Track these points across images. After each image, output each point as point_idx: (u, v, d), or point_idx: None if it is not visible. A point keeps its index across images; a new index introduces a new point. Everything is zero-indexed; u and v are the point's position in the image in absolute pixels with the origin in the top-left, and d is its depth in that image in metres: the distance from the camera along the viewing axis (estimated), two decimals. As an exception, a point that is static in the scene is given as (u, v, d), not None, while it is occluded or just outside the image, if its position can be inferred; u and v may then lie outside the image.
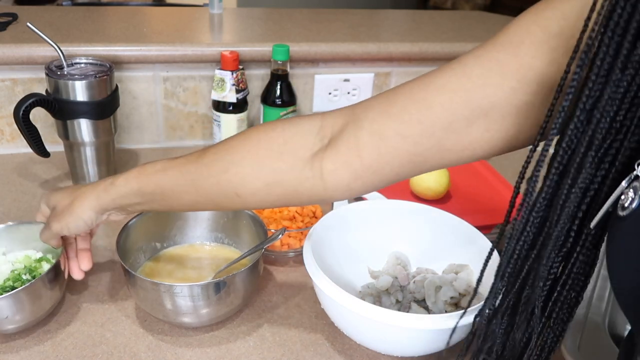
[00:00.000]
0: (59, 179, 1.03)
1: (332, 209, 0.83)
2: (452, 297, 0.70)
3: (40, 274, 0.72)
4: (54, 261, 0.72)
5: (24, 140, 0.92)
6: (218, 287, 0.66)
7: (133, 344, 0.68)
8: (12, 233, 0.75)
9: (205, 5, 1.46)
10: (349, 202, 0.83)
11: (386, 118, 0.51)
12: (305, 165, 0.54)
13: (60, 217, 0.66)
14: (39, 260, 0.74)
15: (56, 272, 0.69)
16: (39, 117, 1.02)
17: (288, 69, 1.10)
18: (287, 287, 0.79)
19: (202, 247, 0.82)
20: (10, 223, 0.76)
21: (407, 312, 0.70)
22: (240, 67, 1.07)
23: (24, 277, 0.71)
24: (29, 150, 0.94)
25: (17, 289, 0.64)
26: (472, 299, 0.55)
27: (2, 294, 0.64)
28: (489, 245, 0.70)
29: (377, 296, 0.73)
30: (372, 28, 1.40)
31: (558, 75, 0.41)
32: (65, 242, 0.72)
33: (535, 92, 0.45)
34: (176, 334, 0.70)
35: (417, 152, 0.50)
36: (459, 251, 0.75)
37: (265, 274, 0.81)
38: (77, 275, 0.72)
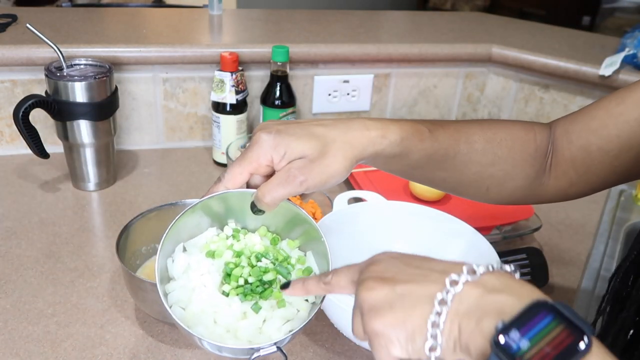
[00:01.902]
0: (58, 180, 1.03)
1: (331, 209, 0.84)
2: None
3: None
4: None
5: (24, 142, 0.92)
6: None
7: (133, 345, 0.68)
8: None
9: (204, 6, 1.46)
10: (348, 203, 0.83)
11: (588, 133, 0.57)
12: (532, 172, 0.61)
13: (308, 164, 0.50)
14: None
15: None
16: (39, 118, 1.02)
17: (288, 70, 1.10)
18: (286, 288, 0.79)
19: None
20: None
21: None
22: (240, 68, 1.07)
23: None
24: (29, 151, 0.94)
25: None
26: None
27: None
28: (489, 247, 0.70)
29: None
30: (372, 29, 1.40)
31: None
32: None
33: None
34: (176, 335, 0.70)
35: (619, 164, 0.55)
36: (459, 253, 0.75)
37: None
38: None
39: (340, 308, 0.62)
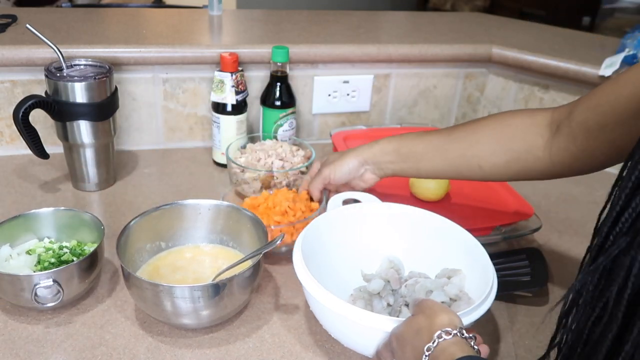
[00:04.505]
0: (58, 181, 1.03)
1: (325, 209, 0.84)
2: (442, 302, 0.69)
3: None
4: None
5: (24, 142, 0.92)
6: (218, 288, 0.66)
7: (132, 346, 0.68)
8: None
9: (204, 7, 1.46)
10: (343, 203, 0.83)
11: (587, 110, 0.62)
12: (539, 149, 0.68)
13: (331, 165, 0.84)
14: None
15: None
16: (39, 118, 1.02)
17: (287, 71, 1.10)
18: (286, 289, 0.79)
19: (203, 249, 0.82)
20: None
21: (398, 316, 0.69)
22: (240, 68, 1.07)
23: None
24: (29, 151, 0.95)
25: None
26: None
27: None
28: (483, 251, 0.70)
29: (369, 299, 0.72)
30: (372, 30, 1.40)
31: None
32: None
33: None
34: (175, 335, 0.70)
35: (616, 138, 0.59)
36: (453, 256, 0.74)
37: (265, 275, 0.81)
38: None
39: (322, 307, 0.63)
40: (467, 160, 0.74)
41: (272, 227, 0.81)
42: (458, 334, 0.52)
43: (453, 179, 0.82)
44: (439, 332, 0.52)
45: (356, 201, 0.84)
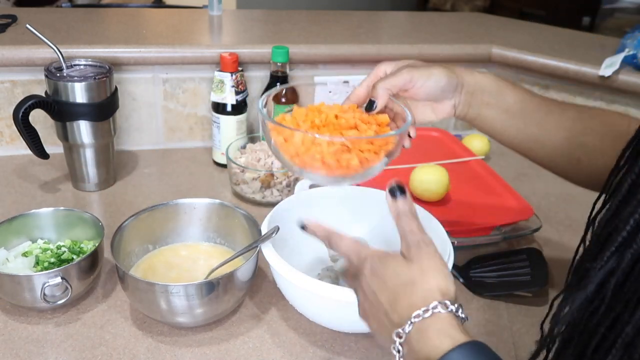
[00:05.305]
0: (58, 181, 1.03)
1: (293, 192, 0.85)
2: None
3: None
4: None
5: (24, 142, 0.92)
6: (212, 286, 0.66)
7: (132, 346, 0.68)
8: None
9: (204, 7, 1.46)
10: (310, 187, 0.84)
11: None
12: None
13: (414, 70, 0.64)
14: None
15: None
16: (39, 118, 1.02)
17: (287, 71, 1.10)
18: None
19: (196, 247, 0.82)
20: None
21: None
22: (240, 68, 1.07)
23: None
24: (29, 151, 0.95)
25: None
26: None
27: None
28: (442, 230, 0.73)
29: (335, 278, 0.76)
30: (372, 30, 1.40)
31: None
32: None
33: None
34: (175, 335, 0.70)
35: None
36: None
37: (265, 275, 0.81)
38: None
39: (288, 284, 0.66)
40: (569, 147, 0.65)
41: (344, 139, 0.57)
42: (454, 310, 0.46)
43: (543, 164, 0.70)
44: (435, 302, 0.45)
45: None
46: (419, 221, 0.52)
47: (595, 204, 0.48)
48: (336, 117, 0.62)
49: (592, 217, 0.48)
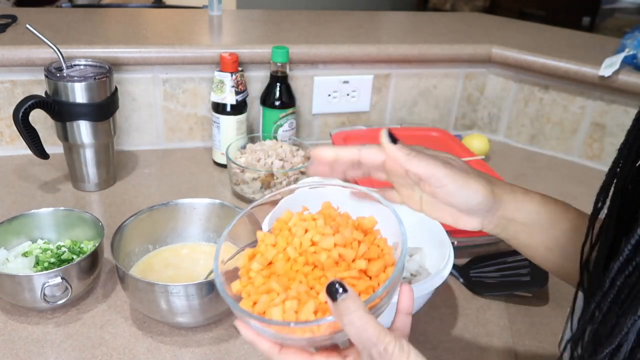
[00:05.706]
0: (58, 181, 1.03)
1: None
2: (404, 278, 0.73)
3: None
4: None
5: (24, 142, 0.92)
6: (212, 286, 0.66)
7: (132, 346, 0.68)
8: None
9: (204, 7, 1.46)
10: (310, 189, 0.84)
11: None
12: None
13: (451, 167, 0.51)
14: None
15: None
16: (38, 118, 1.02)
17: (287, 71, 1.10)
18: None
19: (196, 247, 0.82)
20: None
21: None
22: (240, 68, 1.07)
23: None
24: (29, 152, 0.95)
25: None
26: None
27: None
28: (442, 230, 0.74)
29: None
30: (372, 30, 1.40)
31: None
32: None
33: None
34: (175, 335, 0.70)
35: None
36: (415, 235, 0.76)
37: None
38: None
39: None
40: None
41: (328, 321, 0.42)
42: None
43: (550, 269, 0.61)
44: None
45: None
46: (374, 320, 0.41)
47: (595, 204, 0.47)
48: (312, 243, 0.50)
49: (592, 217, 0.47)
